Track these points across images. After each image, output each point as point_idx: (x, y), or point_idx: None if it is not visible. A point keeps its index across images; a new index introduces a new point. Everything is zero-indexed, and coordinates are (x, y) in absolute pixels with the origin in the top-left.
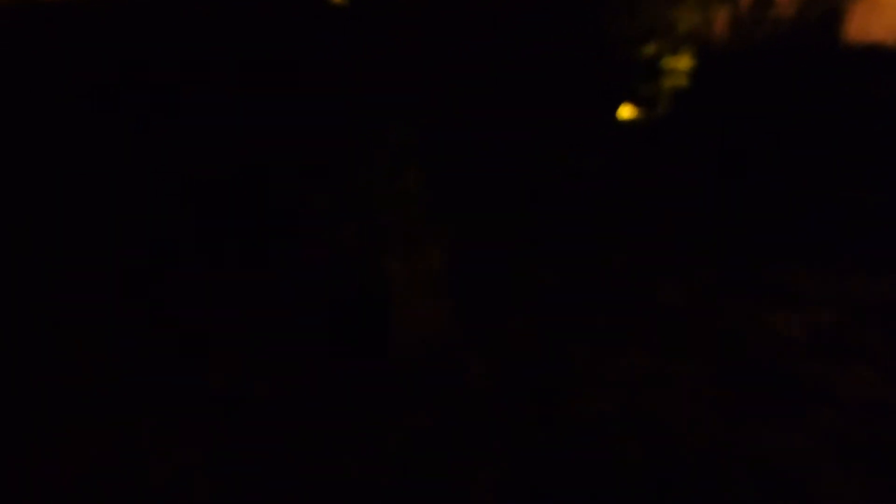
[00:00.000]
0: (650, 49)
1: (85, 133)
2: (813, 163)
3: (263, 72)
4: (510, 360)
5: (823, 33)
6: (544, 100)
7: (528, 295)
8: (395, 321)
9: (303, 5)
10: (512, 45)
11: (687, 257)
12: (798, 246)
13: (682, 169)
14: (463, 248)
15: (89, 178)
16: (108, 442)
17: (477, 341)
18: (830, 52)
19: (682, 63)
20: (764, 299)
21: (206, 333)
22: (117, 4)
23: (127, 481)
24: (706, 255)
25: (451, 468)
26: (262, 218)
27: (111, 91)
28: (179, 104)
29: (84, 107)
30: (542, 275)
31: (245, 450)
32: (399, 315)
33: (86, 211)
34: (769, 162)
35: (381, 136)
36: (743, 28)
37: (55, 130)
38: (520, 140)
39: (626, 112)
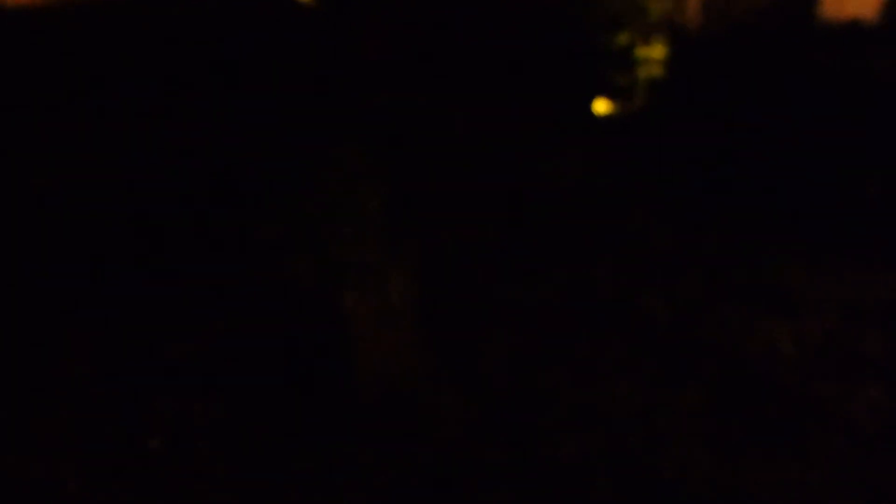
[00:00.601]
0: (623, 38)
1: None
2: (799, 150)
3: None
4: (486, 396)
5: (798, 11)
6: (515, 99)
7: (503, 320)
8: (357, 361)
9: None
10: (480, 37)
11: (672, 262)
12: (790, 243)
13: (661, 165)
14: (430, 274)
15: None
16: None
17: (449, 377)
18: (807, 31)
19: (656, 52)
20: (758, 306)
21: (148, 377)
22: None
23: None
24: (693, 259)
25: None
26: (204, 252)
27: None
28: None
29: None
30: (517, 295)
31: None
32: (360, 354)
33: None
34: (753, 153)
35: (335, 157)
36: (716, 11)
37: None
38: (489, 145)
39: (601, 106)
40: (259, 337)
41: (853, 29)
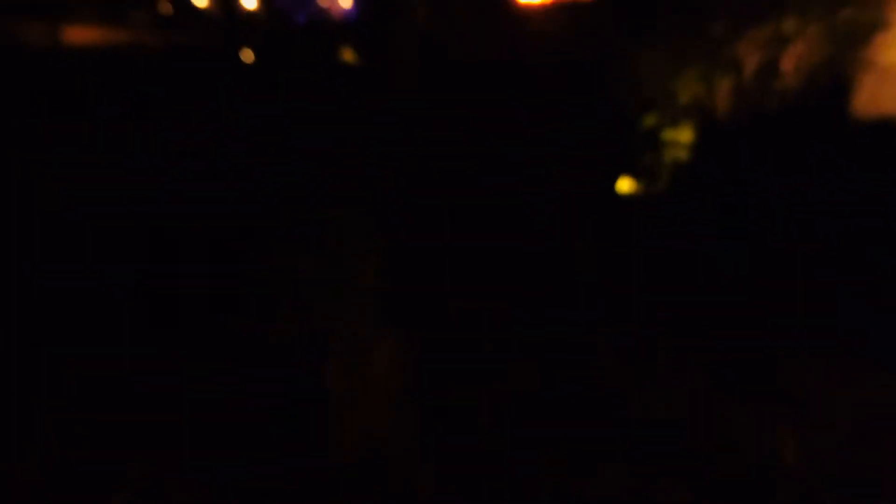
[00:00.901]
0: (650, 120)
1: None
2: (823, 244)
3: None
4: (465, 474)
5: (832, 105)
6: (534, 169)
7: (492, 396)
8: (335, 429)
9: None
10: (506, 108)
11: (679, 352)
12: (804, 340)
13: (679, 249)
14: (420, 346)
15: None
16: None
17: (429, 451)
18: (840, 125)
19: (683, 135)
20: (765, 407)
21: (122, 428)
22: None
23: None
24: (700, 351)
25: None
26: (191, 305)
27: None
28: None
29: None
30: (509, 371)
31: None
32: (338, 423)
33: None
34: (773, 245)
35: (332, 215)
36: (747, 99)
37: None
38: (501, 215)
39: (625, 185)
40: (239, 394)
41: (887, 125)
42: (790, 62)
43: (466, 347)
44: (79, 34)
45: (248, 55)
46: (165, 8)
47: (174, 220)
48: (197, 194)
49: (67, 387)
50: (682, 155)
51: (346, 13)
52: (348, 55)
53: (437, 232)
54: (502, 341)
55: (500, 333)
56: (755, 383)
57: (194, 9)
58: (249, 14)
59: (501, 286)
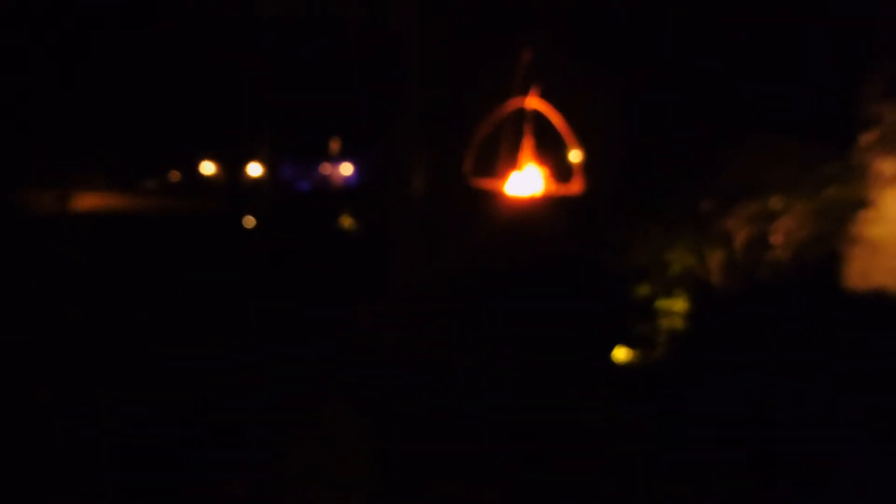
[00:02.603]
0: (644, 289)
1: None
2: (820, 421)
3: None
4: None
5: (823, 278)
6: (530, 343)
7: None
8: None
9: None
10: (501, 283)
11: None
12: None
13: (681, 422)
14: None
15: None
16: None
17: None
18: (831, 298)
19: (678, 305)
20: None
21: None
22: None
23: None
24: None
25: None
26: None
27: None
28: None
29: None
30: None
31: None
32: None
33: None
34: (775, 418)
35: (315, 412)
36: (739, 271)
37: None
38: (499, 393)
39: (621, 354)
40: None
41: (878, 299)
42: (779, 236)
43: None
44: (88, 202)
45: (249, 221)
46: (174, 176)
47: (160, 414)
48: (189, 380)
49: None
50: (678, 323)
51: (347, 180)
52: (347, 221)
53: (431, 426)
54: None
55: None
56: None
57: (202, 177)
58: (254, 181)
59: (500, 479)
